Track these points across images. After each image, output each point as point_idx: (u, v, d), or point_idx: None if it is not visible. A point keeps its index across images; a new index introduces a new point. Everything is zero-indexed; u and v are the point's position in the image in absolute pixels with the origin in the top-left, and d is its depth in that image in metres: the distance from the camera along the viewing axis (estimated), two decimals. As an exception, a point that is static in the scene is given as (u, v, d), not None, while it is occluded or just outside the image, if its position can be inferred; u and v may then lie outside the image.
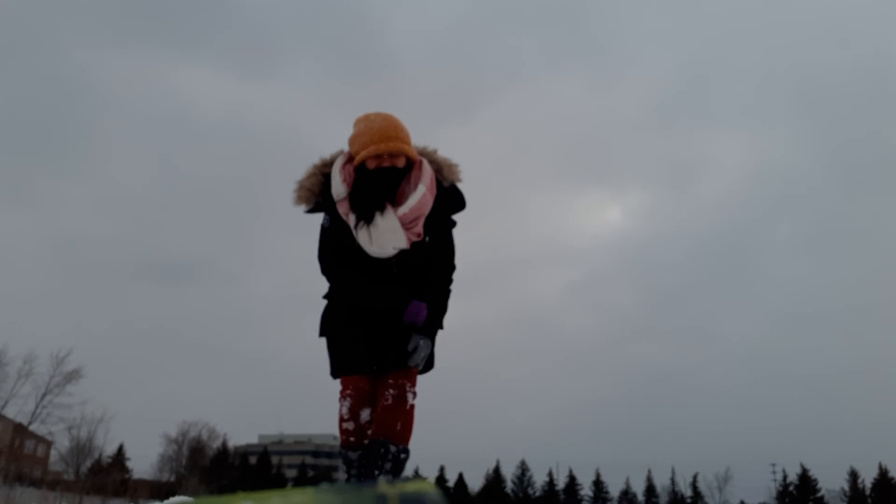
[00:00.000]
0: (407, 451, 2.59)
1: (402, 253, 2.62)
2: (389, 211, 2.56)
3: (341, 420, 2.64)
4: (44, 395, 39.66)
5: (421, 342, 2.58)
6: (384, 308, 2.64)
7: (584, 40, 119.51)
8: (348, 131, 2.68)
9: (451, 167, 2.72)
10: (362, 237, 2.58)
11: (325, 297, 2.80)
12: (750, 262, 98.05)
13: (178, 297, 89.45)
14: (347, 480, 2.64)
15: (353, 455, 2.63)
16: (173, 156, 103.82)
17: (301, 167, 2.75)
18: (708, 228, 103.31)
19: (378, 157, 2.55)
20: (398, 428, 2.56)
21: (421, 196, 2.57)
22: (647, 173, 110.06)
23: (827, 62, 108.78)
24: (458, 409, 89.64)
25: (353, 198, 2.59)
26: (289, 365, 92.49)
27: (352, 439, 2.63)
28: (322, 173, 2.68)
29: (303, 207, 2.68)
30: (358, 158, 2.57)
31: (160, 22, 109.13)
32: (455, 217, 2.75)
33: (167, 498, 2.91)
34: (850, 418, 74.82)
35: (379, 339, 2.64)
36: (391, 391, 2.59)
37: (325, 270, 2.71)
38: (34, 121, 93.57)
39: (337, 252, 2.66)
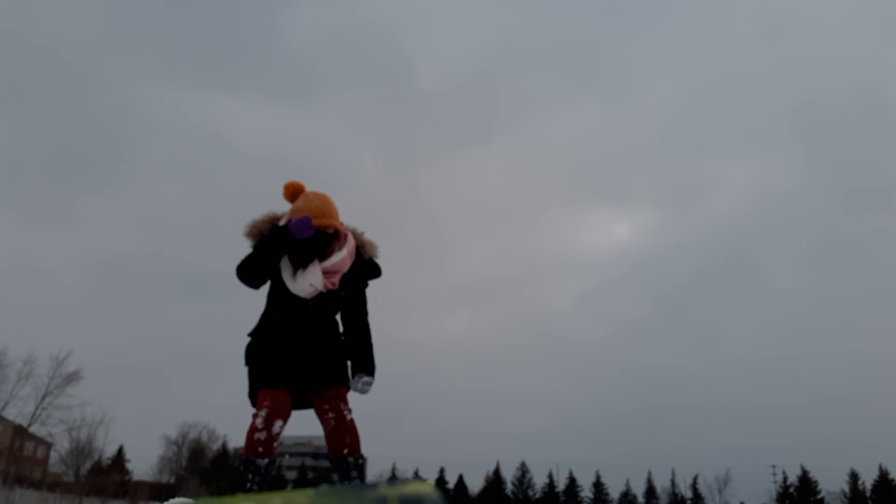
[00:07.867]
0: (364, 457, 3.04)
1: (319, 297, 3.16)
2: (316, 263, 3.15)
3: (254, 430, 2.89)
4: (44, 397, 39.40)
5: (365, 378, 3.14)
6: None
7: (597, 70, 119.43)
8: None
9: (372, 245, 3.37)
10: (289, 278, 3.14)
11: (251, 333, 3.20)
12: (752, 275, 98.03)
13: (196, 308, 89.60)
14: (250, 489, 2.83)
15: (260, 463, 2.86)
16: (209, 179, 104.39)
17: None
18: (713, 244, 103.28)
19: None
20: (348, 441, 3.00)
21: (341, 258, 3.21)
22: (655, 193, 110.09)
23: (828, 91, 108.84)
24: (459, 411, 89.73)
25: (293, 252, 3.15)
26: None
27: (260, 449, 2.87)
28: (272, 222, 3.24)
29: (249, 242, 3.21)
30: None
31: (201, 57, 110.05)
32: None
33: (167, 499, 2.91)
34: (850, 420, 74.80)
35: (306, 356, 3.06)
36: (330, 415, 3.03)
37: (247, 272, 3.17)
38: (79, 145, 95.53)
39: (264, 268, 3.17)
